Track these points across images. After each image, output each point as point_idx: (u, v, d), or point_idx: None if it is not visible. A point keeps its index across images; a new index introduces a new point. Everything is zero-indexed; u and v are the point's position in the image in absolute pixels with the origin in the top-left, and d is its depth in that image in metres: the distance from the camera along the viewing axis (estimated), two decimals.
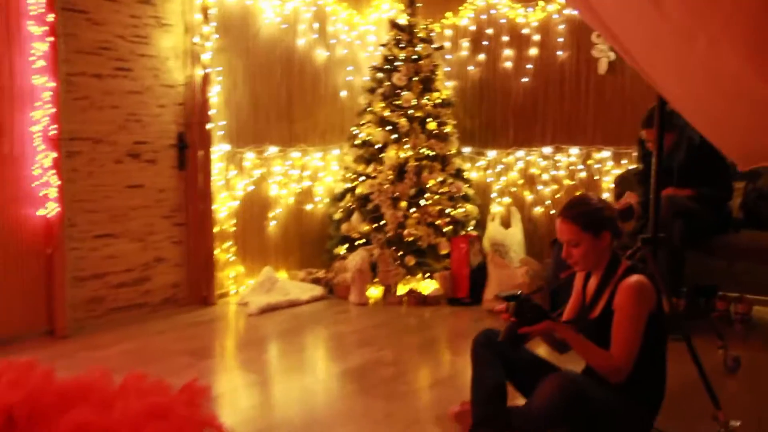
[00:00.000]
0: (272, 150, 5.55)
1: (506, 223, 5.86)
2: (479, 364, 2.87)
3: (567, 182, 5.78)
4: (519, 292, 2.68)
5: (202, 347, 4.16)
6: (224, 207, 5.23)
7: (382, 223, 5.48)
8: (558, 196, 5.82)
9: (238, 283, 5.37)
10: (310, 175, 5.88)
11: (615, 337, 2.57)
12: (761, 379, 3.64)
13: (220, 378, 3.70)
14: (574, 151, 5.73)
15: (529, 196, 5.96)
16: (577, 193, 2.83)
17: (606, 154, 5.59)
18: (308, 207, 5.90)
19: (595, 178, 5.66)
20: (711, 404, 2.89)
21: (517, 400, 2.84)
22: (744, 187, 4.79)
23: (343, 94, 6.15)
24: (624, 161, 5.51)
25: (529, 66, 5.88)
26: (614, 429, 2.59)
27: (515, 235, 5.75)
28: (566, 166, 5.78)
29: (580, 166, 5.71)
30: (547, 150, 5.84)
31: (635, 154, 5.38)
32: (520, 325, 2.61)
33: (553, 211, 5.83)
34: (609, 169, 5.59)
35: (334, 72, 6.07)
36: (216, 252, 5.16)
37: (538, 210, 5.91)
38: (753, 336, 4.38)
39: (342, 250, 5.66)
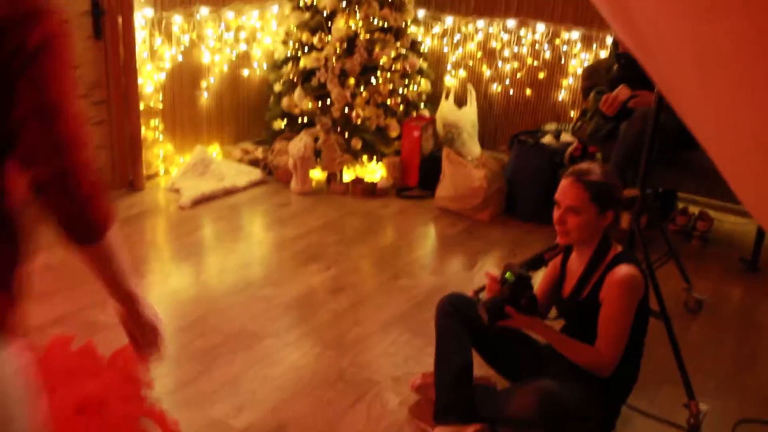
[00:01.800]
0: (203, 11, 4.86)
1: (460, 101, 5.43)
2: (444, 338, 2.62)
3: (530, 61, 5.32)
4: (526, 270, 2.40)
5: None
6: (150, 81, 4.63)
7: (327, 102, 4.98)
8: (519, 75, 5.38)
9: (168, 162, 4.89)
10: (246, 38, 5.24)
11: (603, 332, 2.36)
12: (721, 324, 3.53)
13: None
14: (541, 27, 5.23)
15: (487, 72, 5.49)
16: (590, 163, 2.46)
17: (575, 34, 5.11)
18: (245, 73, 5.31)
19: (562, 61, 5.21)
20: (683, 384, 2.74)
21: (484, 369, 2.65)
22: None
23: None
24: (595, 45, 5.06)
25: None
26: (588, 422, 2.43)
27: (469, 115, 5.36)
28: (530, 44, 5.30)
29: (546, 46, 5.24)
30: (511, 23, 5.31)
31: (610, 41, 4.94)
32: (506, 305, 2.34)
33: (511, 91, 5.42)
34: (577, 52, 5.14)
35: None
36: (143, 131, 4.62)
37: (496, 88, 5.48)
38: (709, 259, 4.25)
39: (281, 124, 5.19)
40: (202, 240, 4.09)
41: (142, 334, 1.59)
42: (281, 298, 3.45)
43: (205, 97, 5.06)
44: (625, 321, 2.34)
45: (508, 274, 2.36)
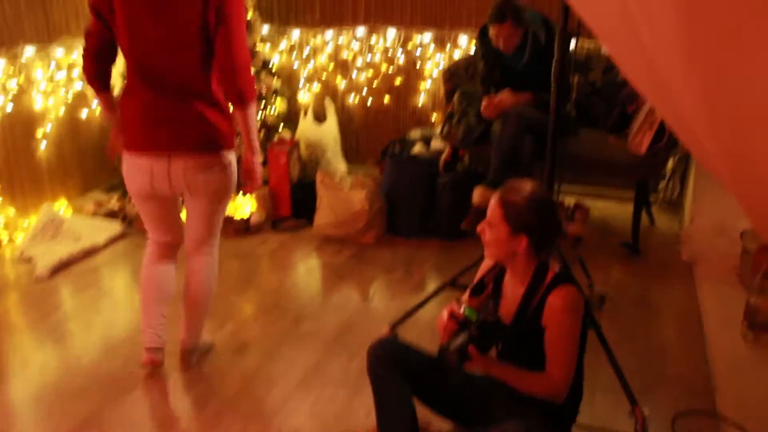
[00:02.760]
0: (29, 51, 4.34)
1: (318, 117, 5.23)
2: (385, 392, 2.44)
3: (384, 68, 5.20)
4: (494, 313, 2.28)
5: None
6: None
7: None
8: (375, 83, 5.25)
9: (11, 228, 4.34)
10: (80, 75, 4.75)
11: (552, 357, 2.27)
12: (626, 316, 3.59)
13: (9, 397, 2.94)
14: (392, 32, 5.12)
15: (342, 83, 5.32)
16: (525, 182, 2.34)
17: (427, 37, 5.05)
18: (83, 114, 4.83)
19: (417, 65, 5.13)
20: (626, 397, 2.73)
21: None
22: (576, 82, 4.55)
23: None
24: (448, 46, 5.01)
25: None
26: None
27: (331, 131, 5.18)
28: (383, 50, 5.17)
29: (399, 51, 5.14)
30: (361, 31, 5.16)
31: (464, 40, 4.92)
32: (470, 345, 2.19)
33: (370, 100, 5.28)
34: (431, 54, 5.08)
35: None
36: None
37: (353, 99, 5.33)
38: (593, 248, 4.33)
39: None
40: (70, 315, 3.63)
41: (247, 176, 2.85)
42: (180, 369, 3.12)
43: (43, 148, 4.55)
44: (572, 343, 2.28)
45: (468, 311, 2.22)
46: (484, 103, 4.15)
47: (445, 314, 2.29)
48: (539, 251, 2.32)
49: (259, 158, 2.83)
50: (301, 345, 3.32)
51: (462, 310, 2.25)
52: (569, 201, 4.57)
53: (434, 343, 2.30)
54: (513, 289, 2.40)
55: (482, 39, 4.27)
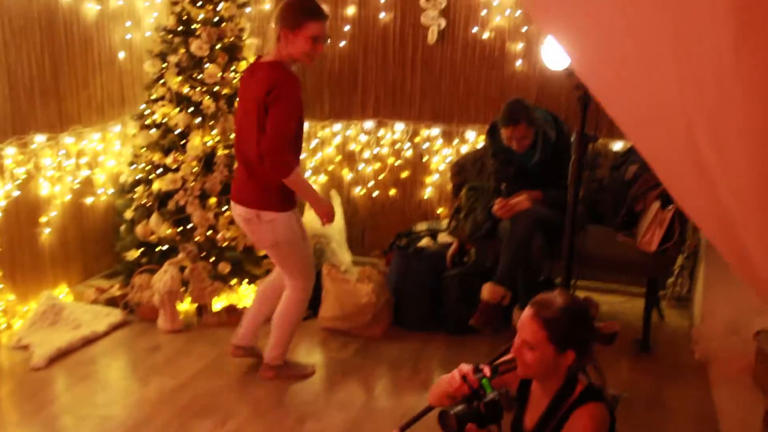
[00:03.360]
0: (39, 139, 4.36)
1: None
2: None
3: (392, 161, 5.23)
4: (508, 400, 2.18)
5: None
6: None
7: (188, 226, 4.59)
8: (381, 176, 5.26)
9: (10, 315, 4.25)
10: (89, 162, 4.76)
11: None
12: (642, 420, 3.47)
13: None
14: (400, 126, 5.17)
15: (348, 175, 5.34)
16: (554, 294, 2.27)
17: (435, 131, 5.09)
18: (89, 200, 4.81)
19: (424, 159, 5.16)
20: None
21: None
22: (584, 179, 4.55)
23: (122, 55, 5.00)
24: (456, 140, 5.05)
25: (347, 28, 5.12)
26: None
27: (336, 223, 5.14)
28: (390, 143, 5.21)
29: (407, 144, 5.17)
30: (369, 124, 5.21)
31: (472, 136, 4.96)
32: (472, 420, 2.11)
33: (376, 193, 5.29)
34: (439, 148, 5.12)
35: (108, 29, 4.88)
36: None
37: (359, 191, 5.33)
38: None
39: (136, 254, 4.71)
40: (67, 407, 3.50)
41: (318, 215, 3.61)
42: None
43: (46, 233, 4.50)
44: None
45: (485, 383, 2.15)
46: (499, 204, 4.13)
47: (457, 376, 2.20)
48: (581, 360, 2.25)
49: (321, 206, 3.59)
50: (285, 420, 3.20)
51: (478, 379, 2.17)
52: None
53: None
54: (540, 396, 2.32)
55: (492, 137, 4.30)
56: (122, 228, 4.78)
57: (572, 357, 2.19)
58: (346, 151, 5.29)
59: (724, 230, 1.14)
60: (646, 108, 1.12)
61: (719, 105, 0.89)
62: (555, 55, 2.78)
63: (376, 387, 3.78)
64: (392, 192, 5.27)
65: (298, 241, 3.59)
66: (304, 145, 5.25)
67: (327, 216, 3.59)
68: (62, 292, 4.60)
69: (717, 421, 3.43)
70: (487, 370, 2.19)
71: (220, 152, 4.60)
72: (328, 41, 4.79)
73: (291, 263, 3.63)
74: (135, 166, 4.77)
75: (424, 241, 4.67)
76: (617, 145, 4.68)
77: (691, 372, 3.91)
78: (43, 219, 4.48)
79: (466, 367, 2.21)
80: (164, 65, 4.67)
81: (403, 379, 3.83)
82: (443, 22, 4.90)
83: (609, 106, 1.26)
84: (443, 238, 4.69)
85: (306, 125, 5.19)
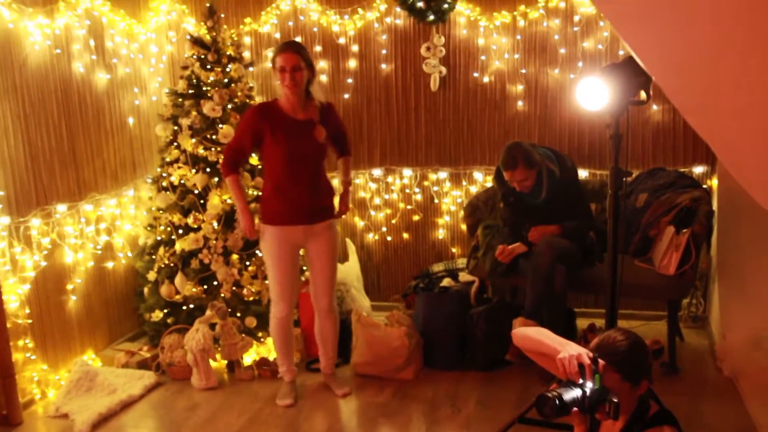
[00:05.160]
0: (61, 209, 4.41)
1: (341, 257, 5.31)
2: None
3: (402, 206, 5.36)
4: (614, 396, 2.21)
5: None
6: (14, 294, 4.06)
7: (214, 283, 4.65)
8: (394, 221, 5.38)
9: (44, 384, 4.25)
10: (107, 228, 4.82)
11: None
12: None
13: None
14: (408, 172, 5.31)
15: (360, 222, 5.45)
16: (611, 336, 2.35)
17: (443, 174, 5.24)
18: (110, 265, 4.85)
19: (435, 201, 5.30)
20: None
21: None
22: (594, 209, 4.72)
23: (131, 121, 5.09)
24: (464, 182, 5.20)
25: (350, 80, 5.28)
26: None
27: (353, 269, 5.25)
28: (400, 189, 5.35)
29: (416, 189, 5.31)
30: (377, 172, 5.35)
31: (488, 179, 5.11)
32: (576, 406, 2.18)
33: (389, 238, 5.40)
34: (448, 190, 5.26)
35: (118, 96, 4.98)
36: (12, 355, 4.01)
37: (372, 237, 5.44)
38: None
39: (160, 315, 4.74)
40: None
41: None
42: None
43: (73, 300, 4.53)
44: None
45: (597, 377, 2.20)
46: (499, 250, 4.38)
47: (586, 358, 2.22)
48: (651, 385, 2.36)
49: (244, 217, 4.01)
50: None
51: (593, 372, 2.20)
52: (599, 323, 4.64)
53: None
54: (612, 424, 2.39)
55: (499, 180, 4.44)
56: (146, 290, 4.82)
57: (646, 386, 2.29)
58: (356, 199, 5.40)
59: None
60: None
61: None
62: (591, 96, 2.94)
63: (420, 428, 3.83)
64: (405, 236, 5.39)
65: (271, 260, 3.95)
66: None
67: (246, 230, 4.00)
68: (90, 358, 4.60)
69: None
70: (601, 366, 2.22)
71: None
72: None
73: (269, 279, 4.08)
74: (154, 227, 4.83)
75: (446, 281, 4.78)
76: None
77: (721, 389, 4.03)
78: (69, 287, 4.50)
79: (585, 357, 2.23)
80: (176, 128, 4.77)
81: (444, 418, 3.90)
82: (444, 70, 5.08)
83: (699, 117, 1.38)
84: (464, 277, 4.80)
85: None
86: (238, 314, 4.66)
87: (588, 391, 2.21)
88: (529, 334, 2.56)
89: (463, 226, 5.09)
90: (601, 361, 2.25)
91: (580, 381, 2.22)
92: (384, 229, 5.42)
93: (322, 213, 4.00)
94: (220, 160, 4.64)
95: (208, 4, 4.77)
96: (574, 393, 2.21)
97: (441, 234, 5.33)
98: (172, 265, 4.68)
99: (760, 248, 4.28)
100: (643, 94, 2.97)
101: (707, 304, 4.87)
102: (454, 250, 5.31)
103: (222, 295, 4.61)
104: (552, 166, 4.35)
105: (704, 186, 4.70)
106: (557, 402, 2.19)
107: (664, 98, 4.69)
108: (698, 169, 4.85)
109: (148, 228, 4.91)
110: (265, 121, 3.82)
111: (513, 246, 4.35)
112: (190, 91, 4.78)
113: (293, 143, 3.82)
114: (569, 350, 2.30)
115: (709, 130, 1.66)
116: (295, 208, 3.89)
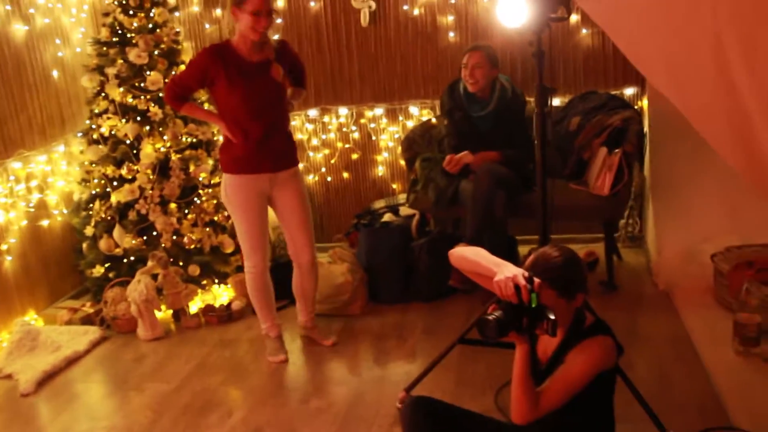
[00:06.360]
0: None
1: None
2: None
3: (340, 145, 5.33)
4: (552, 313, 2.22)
5: None
6: None
7: (153, 234, 4.59)
8: (333, 161, 5.36)
9: None
10: (39, 185, 4.70)
11: (550, 387, 2.28)
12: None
13: None
14: (344, 111, 5.27)
15: (300, 165, 5.39)
16: (543, 250, 2.38)
17: (379, 111, 5.21)
18: (45, 223, 4.75)
19: (372, 138, 5.28)
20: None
21: None
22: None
23: (55, 74, 4.93)
24: (401, 117, 5.19)
25: (279, 20, 5.18)
26: None
27: None
28: (337, 128, 5.31)
29: (353, 127, 5.28)
30: (313, 112, 5.30)
31: (424, 113, 5.09)
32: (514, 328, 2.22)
33: (329, 178, 5.38)
34: (385, 126, 5.24)
35: (39, 48, 4.81)
36: None
37: (313, 178, 5.41)
38: None
39: (102, 269, 4.68)
40: (67, 426, 3.48)
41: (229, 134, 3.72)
42: None
43: (9, 261, 4.43)
44: (576, 388, 2.26)
45: (534, 295, 2.20)
46: (446, 160, 4.33)
47: (521, 279, 2.21)
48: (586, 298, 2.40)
49: (222, 126, 3.71)
50: (316, 422, 3.29)
51: (529, 291, 2.20)
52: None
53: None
54: (551, 342, 2.43)
55: (450, 95, 4.45)
56: (84, 245, 4.74)
57: (582, 299, 2.34)
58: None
59: (743, 142, 1.28)
60: (677, 41, 1.25)
61: (754, 21, 1.01)
62: (511, 13, 2.93)
63: (368, 359, 3.89)
64: (345, 175, 5.38)
65: (237, 212, 3.75)
66: None
67: (229, 133, 3.68)
68: (32, 318, 4.54)
69: (690, 341, 3.68)
70: (536, 284, 2.23)
71: (174, 157, 4.61)
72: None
73: (237, 233, 3.84)
74: (88, 182, 4.73)
75: (387, 217, 4.80)
76: (555, 101, 4.89)
77: (658, 302, 4.16)
78: (3, 246, 4.40)
79: (521, 278, 2.22)
80: (103, 78, 4.65)
81: (392, 348, 3.96)
82: (373, 4, 5.02)
83: (632, 46, 1.39)
84: (405, 211, 4.82)
85: None
86: (181, 263, 4.62)
87: (525, 310, 2.25)
88: (466, 255, 2.55)
89: (402, 162, 5.09)
90: (536, 280, 2.27)
91: (517, 302, 2.26)
92: (323, 169, 5.40)
93: (287, 159, 3.80)
94: (151, 108, 4.56)
95: None
96: (513, 313, 2.25)
97: (381, 171, 5.33)
98: (109, 218, 4.61)
99: (690, 166, 4.39)
100: (563, 10, 2.97)
101: (643, 223, 4.99)
102: (394, 186, 5.32)
103: (162, 245, 4.57)
104: (507, 85, 4.42)
105: (635, 107, 4.76)
106: (497, 324, 2.22)
107: (593, 22, 4.71)
108: (629, 91, 4.91)
109: (82, 183, 4.81)
110: (219, 65, 3.55)
111: (460, 155, 4.35)
112: (114, 39, 4.65)
113: (251, 86, 3.59)
114: (505, 272, 2.30)
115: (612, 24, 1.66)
116: (258, 152, 3.66)
